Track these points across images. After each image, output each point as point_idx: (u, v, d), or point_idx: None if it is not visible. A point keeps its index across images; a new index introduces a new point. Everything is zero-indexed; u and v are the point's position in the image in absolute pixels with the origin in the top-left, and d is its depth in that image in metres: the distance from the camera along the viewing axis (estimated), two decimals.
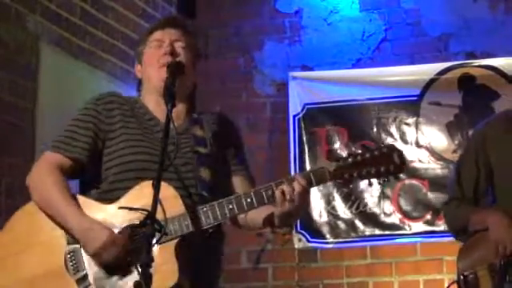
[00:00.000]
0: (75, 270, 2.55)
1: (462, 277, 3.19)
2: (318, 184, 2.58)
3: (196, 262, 2.58)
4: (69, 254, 2.57)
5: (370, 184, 2.59)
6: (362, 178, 2.55)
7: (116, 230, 2.53)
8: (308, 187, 2.55)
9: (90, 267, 2.54)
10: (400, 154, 2.55)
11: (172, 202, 2.46)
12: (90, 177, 2.72)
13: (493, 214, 3.25)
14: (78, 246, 2.57)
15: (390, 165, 2.54)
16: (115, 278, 2.51)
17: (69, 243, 2.58)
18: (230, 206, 2.53)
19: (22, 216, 2.70)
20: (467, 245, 3.30)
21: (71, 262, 2.56)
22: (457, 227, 3.39)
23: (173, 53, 2.75)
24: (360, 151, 2.56)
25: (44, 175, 2.67)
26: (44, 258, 2.59)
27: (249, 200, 2.54)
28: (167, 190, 2.46)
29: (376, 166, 2.53)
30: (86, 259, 2.55)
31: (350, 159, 2.55)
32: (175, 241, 2.48)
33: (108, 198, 2.63)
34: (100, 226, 2.54)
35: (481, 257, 3.18)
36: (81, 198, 2.66)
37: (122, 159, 2.67)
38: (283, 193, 2.51)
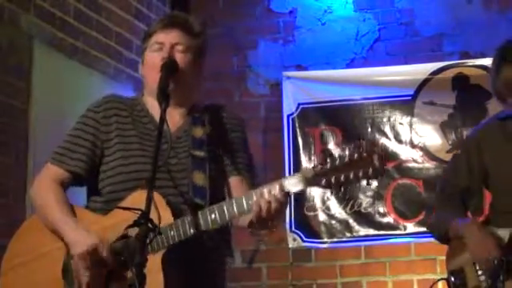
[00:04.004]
0: (72, 281, 2.56)
1: (450, 274, 3.29)
2: (295, 192, 2.50)
3: (190, 271, 2.57)
4: (66, 265, 2.59)
5: (345, 191, 2.50)
6: (341, 184, 2.44)
7: (111, 240, 2.52)
8: (284, 199, 2.47)
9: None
10: (380, 156, 2.42)
11: (161, 213, 2.39)
12: (94, 185, 2.74)
13: (467, 228, 3.29)
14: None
15: (368, 168, 2.41)
16: (111, 283, 2.51)
17: (68, 254, 2.60)
18: (213, 216, 2.49)
19: (31, 225, 2.75)
20: (454, 247, 3.36)
21: (68, 272, 2.57)
22: (440, 234, 3.45)
23: (170, 58, 2.69)
24: (339, 155, 2.44)
25: (43, 190, 2.71)
26: (46, 270, 2.63)
27: (230, 209, 2.49)
28: (158, 200, 2.40)
29: (355, 170, 2.41)
30: None
31: (327, 165, 2.43)
32: (162, 252, 2.47)
33: (110, 208, 2.63)
34: (88, 237, 2.53)
35: (466, 259, 3.25)
36: (79, 210, 2.68)
37: (117, 170, 2.67)
38: (260, 207, 2.46)
